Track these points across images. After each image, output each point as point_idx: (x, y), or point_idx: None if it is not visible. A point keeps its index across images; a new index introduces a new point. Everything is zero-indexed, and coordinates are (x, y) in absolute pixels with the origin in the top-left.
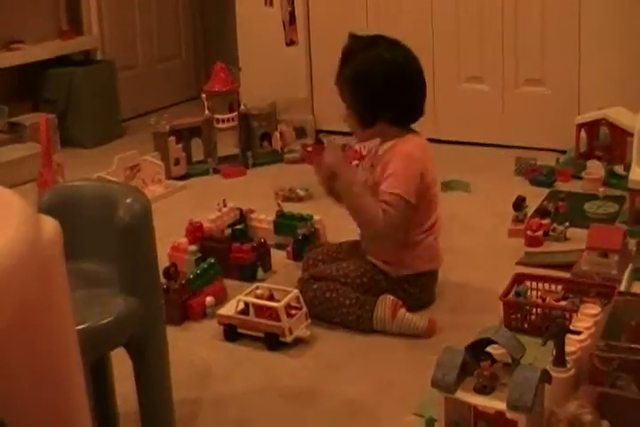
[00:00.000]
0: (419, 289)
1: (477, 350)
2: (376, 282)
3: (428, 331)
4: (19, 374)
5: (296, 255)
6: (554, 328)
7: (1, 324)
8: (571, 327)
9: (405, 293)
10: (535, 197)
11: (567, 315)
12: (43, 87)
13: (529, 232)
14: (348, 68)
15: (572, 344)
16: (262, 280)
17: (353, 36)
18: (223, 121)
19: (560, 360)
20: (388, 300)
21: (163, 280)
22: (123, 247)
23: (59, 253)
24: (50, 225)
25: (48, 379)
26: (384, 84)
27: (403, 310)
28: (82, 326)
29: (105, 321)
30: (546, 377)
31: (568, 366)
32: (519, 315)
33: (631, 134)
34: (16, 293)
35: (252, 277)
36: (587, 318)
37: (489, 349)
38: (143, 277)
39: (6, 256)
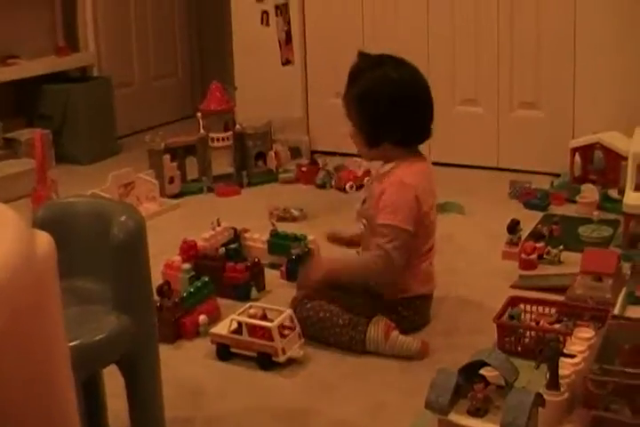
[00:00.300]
0: (412, 312)
1: (471, 372)
2: (370, 304)
3: (420, 353)
4: (10, 388)
5: (290, 275)
6: (548, 351)
7: None
8: (565, 351)
9: (399, 315)
10: (529, 220)
11: (561, 338)
12: (38, 103)
13: (523, 255)
14: (355, 87)
15: (566, 368)
16: (256, 300)
17: (361, 55)
18: (218, 140)
19: (554, 384)
20: (380, 321)
21: (156, 298)
22: (116, 265)
23: (52, 268)
24: (44, 240)
25: (40, 394)
26: (390, 104)
27: (395, 332)
28: (74, 343)
29: (97, 338)
30: (539, 400)
31: (562, 389)
32: (513, 338)
33: (625, 158)
34: (9, 307)
35: (245, 297)
36: (580, 341)
37: (482, 371)
38: (136, 294)
39: (0, 270)
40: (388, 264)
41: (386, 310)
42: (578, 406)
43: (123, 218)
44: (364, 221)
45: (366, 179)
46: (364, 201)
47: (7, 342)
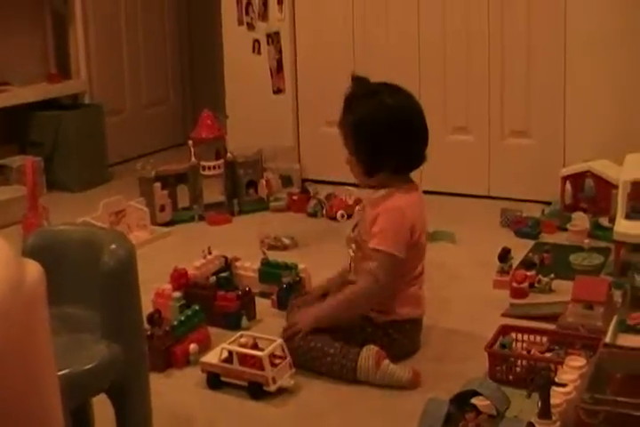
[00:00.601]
0: (402, 335)
1: (462, 401)
2: (361, 328)
3: (411, 383)
4: None
5: (281, 304)
6: (539, 380)
7: None
8: (556, 380)
9: (390, 338)
10: (520, 248)
11: (552, 367)
12: (30, 130)
13: (514, 284)
14: (350, 114)
15: (558, 397)
16: (246, 329)
17: (356, 80)
18: (209, 168)
19: (545, 413)
20: (372, 350)
21: (146, 326)
22: (106, 293)
23: (42, 297)
24: (33, 268)
25: (27, 424)
26: (387, 131)
27: (386, 361)
28: (64, 372)
29: (87, 367)
30: None
31: (554, 418)
32: (504, 366)
33: (616, 186)
34: None
35: (236, 326)
36: (572, 370)
37: (474, 400)
38: (126, 322)
39: None
40: (376, 289)
41: (377, 334)
42: None
43: (113, 246)
44: (354, 246)
45: (357, 207)
46: (354, 226)
47: None
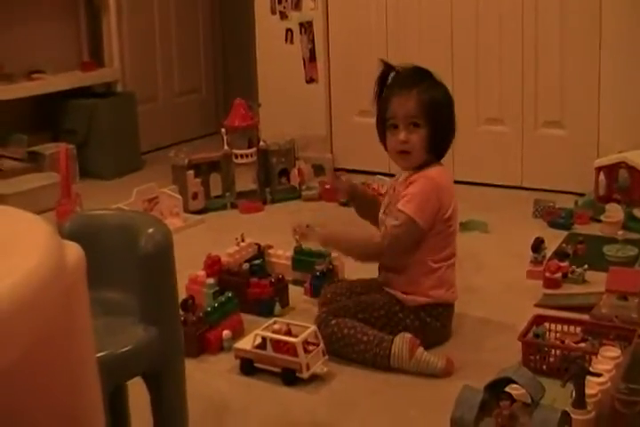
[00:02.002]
0: (434, 319)
1: (497, 389)
2: (393, 313)
3: (445, 371)
4: (39, 399)
5: (314, 292)
6: (574, 369)
7: (24, 347)
8: (591, 369)
9: (422, 322)
10: (553, 239)
11: (587, 357)
12: (63, 118)
13: (547, 274)
14: (428, 90)
15: (593, 387)
16: (279, 316)
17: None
18: (242, 156)
19: (580, 402)
20: (405, 338)
21: (180, 312)
22: (144, 276)
23: (82, 278)
24: (74, 251)
25: (69, 404)
26: (453, 112)
27: (420, 349)
28: (101, 354)
29: (124, 349)
30: (566, 418)
31: (589, 408)
32: (538, 356)
33: None
34: (40, 317)
35: (269, 313)
36: (607, 360)
37: (508, 388)
38: (163, 306)
39: (32, 280)
40: (388, 246)
41: (408, 318)
42: (605, 426)
43: (150, 230)
44: (383, 228)
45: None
46: (385, 208)
47: (39, 350)
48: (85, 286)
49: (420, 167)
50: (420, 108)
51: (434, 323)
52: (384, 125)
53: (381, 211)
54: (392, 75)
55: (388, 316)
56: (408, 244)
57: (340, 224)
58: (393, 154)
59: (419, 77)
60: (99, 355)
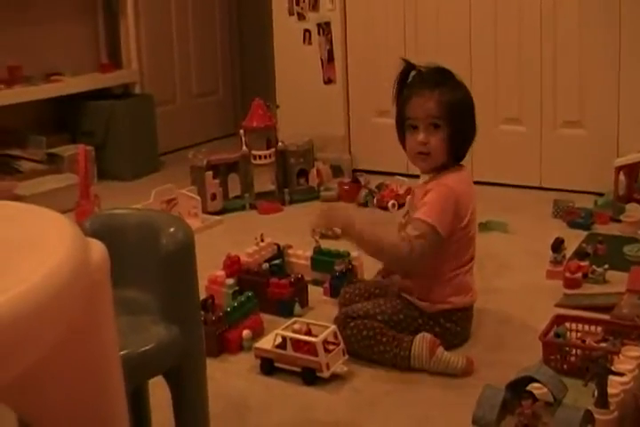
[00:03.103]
0: (454, 324)
1: (518, 388)
2: (412, 319)
3: (466, 370)
4: (62, 396)
5: (333, 292)
6: (596, 368)
7: (51, 343)
8: (613, 369)
9: (442, 327)
10: (573, 239)
11: (609, 357)
12: (81, 119)
13: (567, 274)
14: (453, 91)
15: (615, 386)
16: (299, 316)
17: (407, 62)
18: (260, 157)
19: (603, 402)
20: (425, 338)
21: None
22: (165, 275)
23: (106, 275)
24: (98, 248)
25: (91, 402)
26: (474, 114)
27: (441, 349)
28: (123, 352)
29: (146, 348)
30: (589, 418)
31: (611, 408)
32: (559, 356)
33: None
34: (65, 314)
35: (289, 313)
36: (629, 360)
37: (530, 387)
38: (185, 305)
39: (57, 277)
40: (406, 256)
41: (428, 324)
42: (628, 426)
43: (172, 229)
44: (404, 233)
45: (408, 197)
46: (405, 214)
47: (64, 347)
48: (109, 284)
49: (439, 170)
50: (441, 110)
51: (454, 328)
52: (403, 125)
53: (403, 216)
54: (413, 74)
55: (406, 320)
56: (430, 253)
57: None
58: (412, 155)
59: (441, 78)
60: (121, 353)
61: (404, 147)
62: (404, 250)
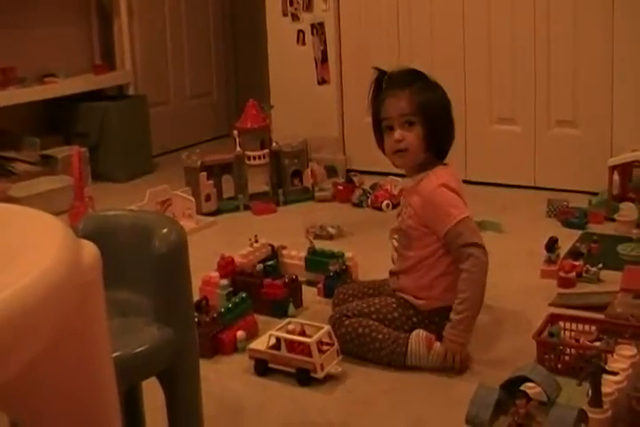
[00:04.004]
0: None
1: (512, 387)
2: (407, 317)
3: (463, 364)
4: (54, 398)
5: (327, 292)
6: (590, 367)
7: (43, 343)
8: (607, 368)
9: (437, 326)
10: (567, 238)
11: (602, 356)
12: (75, 121)
13: (561, 273)
14: (422, 91)
15: (609, 385)
16: (293, 316)
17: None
18: (254, 158)
19: (597, 401)
20: (421, 334)
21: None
22: (158, 276)
23: (98, 277)
24: (90, 249)
25: (83, 403)
26: (450, 113)
27: (437, 344)
28: (116, 354)
29: (139, 349)
30: (583, 417)
31: (605, 407)
32: (553, 355)
33: None
34: (57, 314)
35: (283, 313)
36: (623, 359)
37: (524, 387)
38: (178, 306)
39: (48, 277)
40: (486, 256)
41: (423, 322)
42: (622, 425)
43: (165, 230)
44: (396, 236)
45: (402, 198)
46: (398, 215)
47: (57, 347)
48: (101, 285)
49: (422, 168)
50: (413, 106)
51: None
52: (380, 129)
53: (396, 220)
54: (385, 78)
55: (401, 319)
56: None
57: (352, 225)
58: (390, 154)
59: (411, 78)
60: (114, 355)
61: (383, 150)
62: (483, 264)
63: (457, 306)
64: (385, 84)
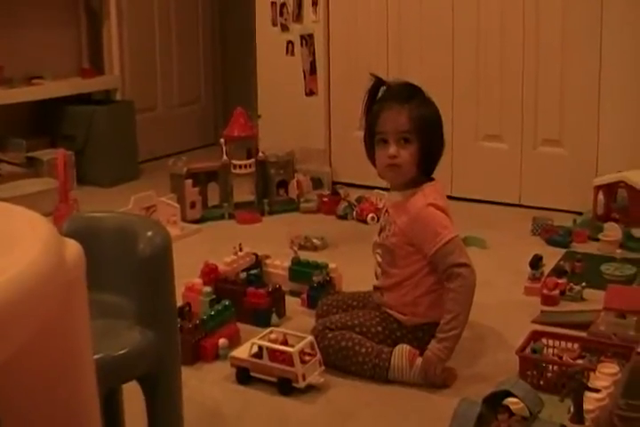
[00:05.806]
0: (432, 337)
1: (495, 402)
2: (391, 331)
3: (445, 381)
4: (34, 394)
5: (311, 303)
6: (573, 384)
7: (23, 339)
8: (589, 385)
9: (420, 341)
10: (551, 256)
11: (585, 373)
12: (62, 123)
13: (545, 291)
14: (421, 106)
15: (591, 403)
16: (276, 326)
17: (377, 77)
18: (240, 167)
19: (578, 417)
20: (405, 349)
21: None
22: (142, 280)
23: (81, 275)
24: (73, 248)
25: (63, 403)
26: (442, 130)
27: (420, 359)
28: (97, 356)
29: (120, 352)
30: None
31: (586, 423)
32: (535, 371)
33: None
34: (39, 311)
35: (265, 323)
36: (605, 376)
37: (506, 402)
38: (161, 310)
39: (31, 274)
40: (473, 275)
41: (407, 337)
42: None
43: (149, 233)
44: (380, 251)
45: (384, 213)
46: (380, 231)
47: (37, 343)
48: (84, 284)
49: (411, 185)
50: (412, 124)
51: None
52: (372, 140)
53: (377, 234)
54: (383, 89)
55: (385, 333)
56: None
57: (337, 237)
58: (381, 168)
59: (411, 92)
60: (95, 357)
61: (373, 162)
62: (470, 284)
63: (444, 326)
64: (383, 95)
